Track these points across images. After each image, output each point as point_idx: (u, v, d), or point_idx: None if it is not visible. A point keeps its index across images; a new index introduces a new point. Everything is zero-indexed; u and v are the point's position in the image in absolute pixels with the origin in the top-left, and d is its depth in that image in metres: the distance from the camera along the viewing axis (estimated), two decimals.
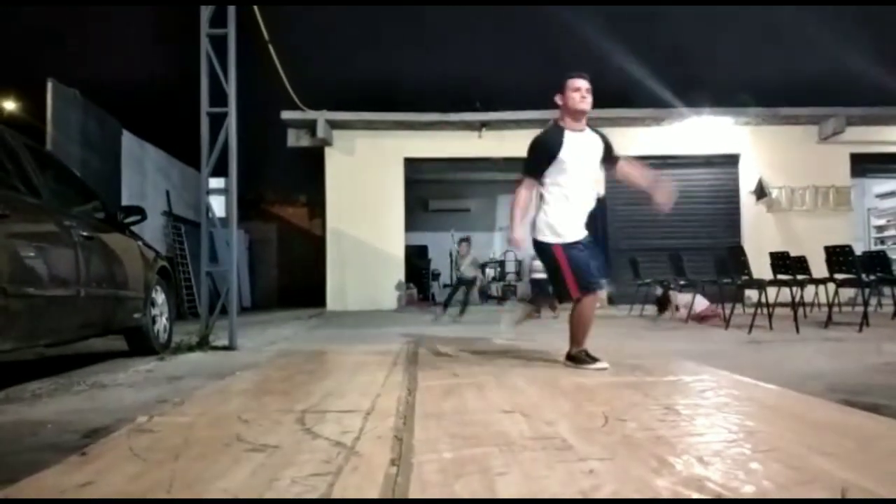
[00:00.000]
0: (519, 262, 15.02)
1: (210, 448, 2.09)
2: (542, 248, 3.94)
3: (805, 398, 2.90)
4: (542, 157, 3.89)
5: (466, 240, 10.41)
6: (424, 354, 4.68)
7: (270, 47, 9.75)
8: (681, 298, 9.01)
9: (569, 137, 3.83)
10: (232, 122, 6.09)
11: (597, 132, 3.98)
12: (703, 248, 11.08)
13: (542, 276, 9.51)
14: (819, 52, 14.63)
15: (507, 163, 13.46)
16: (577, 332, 3.91)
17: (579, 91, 3.81)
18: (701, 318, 8.44)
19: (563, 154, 3.81)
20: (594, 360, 3.80)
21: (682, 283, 9.35)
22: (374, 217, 12.80)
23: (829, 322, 7.23)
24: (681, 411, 2.58)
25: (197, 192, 6.99)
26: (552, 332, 7.28)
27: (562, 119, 3.92)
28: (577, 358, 3.86)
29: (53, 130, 7.80)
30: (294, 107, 12.03)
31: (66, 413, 3.03)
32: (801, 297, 7.47)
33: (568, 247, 3.82)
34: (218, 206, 6.93)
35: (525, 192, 4.00)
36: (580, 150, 3.85)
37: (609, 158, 4.01)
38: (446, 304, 9.97)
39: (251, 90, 7.35)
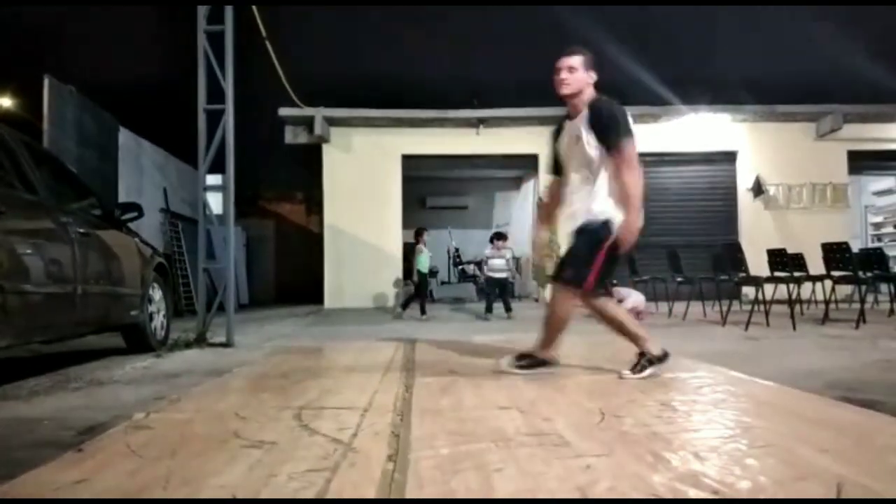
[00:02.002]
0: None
1: (207, 444, 2.09)
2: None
3: (802, 394, 2.91)
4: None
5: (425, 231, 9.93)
6: (421, 351, 4.69)
7: (268, 44, 9.73)
8: (624, 293, 9.00)
9: (565, 127, 3.50)
10: (229, 118, 6.08)
11: (593, 112, 3.30)
12: (700, 244, 11.10)
13: (501, 275, 9.47)
14: (816, 50, 14.63)
15: (505, 160, 13.49)
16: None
17: (557, 73, 3.37)
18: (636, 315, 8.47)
19: (557, 145, 3.57)
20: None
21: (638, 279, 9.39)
22: (371, 214, 12.79)
23: (825, 319, 7.25)
24: (677, 408, 2.59)
25: (194, 189, 6.98)
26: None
27: None
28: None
29: (50, 127, 7.77)
30: (291, 104, 12.00)
31: (62, 410, 3.03)
32: (798, 293, 7.49)
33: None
34: (215, 203, 6.92)
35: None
36: (565, 139, 3.47)
37: (605, 145, 3.27)
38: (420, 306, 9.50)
39: (248, 87, 7.33)
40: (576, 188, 3.41)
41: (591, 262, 3.26)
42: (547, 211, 3.75)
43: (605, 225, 3.25)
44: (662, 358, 3.35)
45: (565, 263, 3.39)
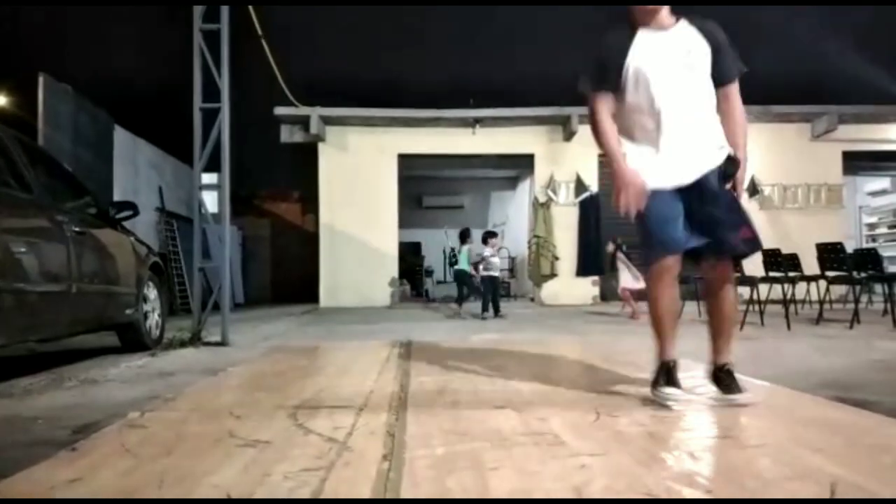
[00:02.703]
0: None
1: (202, 444, 2.09)
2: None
3: (796, 394, 2.92)
4: (601, 64, 2.72)
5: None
6: (417, 350, 4.69)
7: (264, 42, 9.71)
8: (624, 278, 8.88)
9: (641, 38, 2.68)
10: (225, 117, 6.06)
11: (704, 30, 2.69)
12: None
13: (496, 272, 9.48)
14: (812, 50, 14.68)
15: (501, 159, 13.51)
16: (653, 328, 2.79)
17: None
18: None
19: (631, 60, 2.66)
20: (672, 384, 2.69)
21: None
22: (367, 213, 12.79)
23: (820, 319, 7.27)
24: (672, 407, 2.59)
25: (190, 188, 6.97)
26: (545, 327, 7.30)
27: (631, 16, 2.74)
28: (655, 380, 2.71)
29: (45, 126, 7.74)
30: (287, 102, 11.99)
31: (56, 409, 3.02)
32: (793, 294, 7.51)
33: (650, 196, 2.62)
34: (211, 201, 6.90)
35: (606, 113, 2.72)
36: (657, 50, 2.66)
37: (716, 76, 2.68)
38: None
39: (244, 86, 7.32)
40: (682, 117, 2.63)
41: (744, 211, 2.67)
42: (614, 135, 2.71)
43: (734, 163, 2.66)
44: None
45: (731, 221, 2.60)
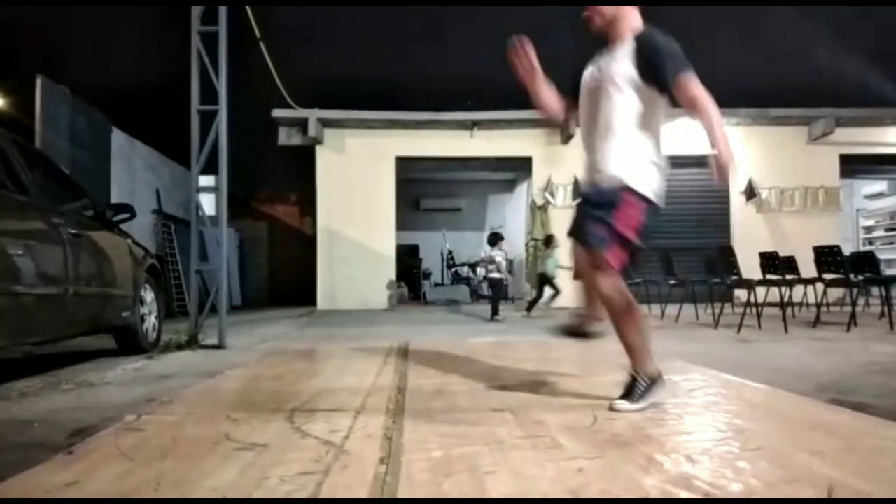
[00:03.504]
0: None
1: (198, 447, 2.08)
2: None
3: (793, 397, 2.92)
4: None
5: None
6: (414, 353, 4.68)
7: (262, 45, 9.71)
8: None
9: (599, 55, 2.79)
10: (223, 119, 6.06)
11: (640, 42, 2.63)
12: (693, 248, 11.11)
13: (499, 275, 9.49)
14: (810, 53, 14.70)
15: (499, 162, 13.51)
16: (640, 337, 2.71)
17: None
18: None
19: (584, 77, 2.83)
20: None
21: None
22: (365, 216, 12.78)
23: (817, 322, 7.28)
24: (669, 410, 2.60)
25: (187, 190, 6.96)
26: (542, 330, 7.30)
27: None
28: None
29: (42, 127, 7.74)
30: (285, 105, 11.99)
31: (53, 412, 3.01)
32: (790, 296, 7.52)
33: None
34: (208, 204, 6.89)
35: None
36: (591, 75, 2.78)
37: (658, 84, 2.64)
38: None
39: (242, 88, 7.32)
40: (593, 139, 2.76)
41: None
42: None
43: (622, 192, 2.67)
44: (658, 380, 2.66)
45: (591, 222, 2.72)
